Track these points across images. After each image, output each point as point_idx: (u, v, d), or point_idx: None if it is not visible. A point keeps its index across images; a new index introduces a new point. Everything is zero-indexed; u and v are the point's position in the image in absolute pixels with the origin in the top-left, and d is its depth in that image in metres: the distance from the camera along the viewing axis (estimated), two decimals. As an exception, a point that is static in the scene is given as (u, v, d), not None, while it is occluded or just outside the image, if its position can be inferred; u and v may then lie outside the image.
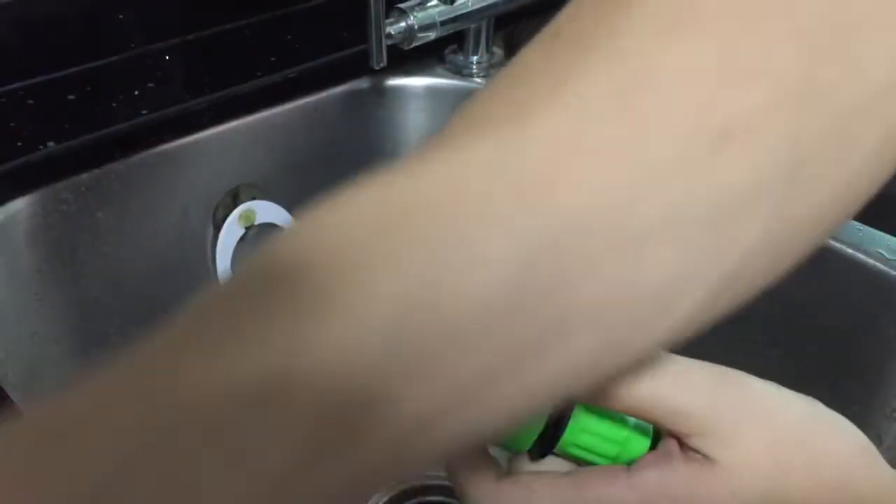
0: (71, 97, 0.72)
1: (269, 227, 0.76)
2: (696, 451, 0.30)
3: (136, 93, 0.73)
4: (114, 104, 0.71)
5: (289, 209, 0.76)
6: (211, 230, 0.73)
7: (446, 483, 0.77)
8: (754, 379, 0.31)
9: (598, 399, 0.30)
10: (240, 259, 0.75)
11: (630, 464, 0.32)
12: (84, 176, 0.65)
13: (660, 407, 0.30)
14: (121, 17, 0.76)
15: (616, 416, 0.33)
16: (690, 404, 0.30)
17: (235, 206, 0.73)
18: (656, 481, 0.30)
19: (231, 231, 0.73)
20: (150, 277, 0.71)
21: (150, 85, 0.74)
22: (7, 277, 0.63)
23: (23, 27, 0.72)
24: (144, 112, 0.70)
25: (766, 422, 0.30)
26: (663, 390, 0.30)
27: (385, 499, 0.76)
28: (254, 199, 0.74)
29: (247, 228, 0.74)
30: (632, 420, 0.33)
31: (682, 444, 0.31)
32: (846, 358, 0.62)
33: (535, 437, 0.33)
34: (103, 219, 0.67)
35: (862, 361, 0.61)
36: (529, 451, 0.33)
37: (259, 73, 0.76)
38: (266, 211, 0.75)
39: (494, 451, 0.34)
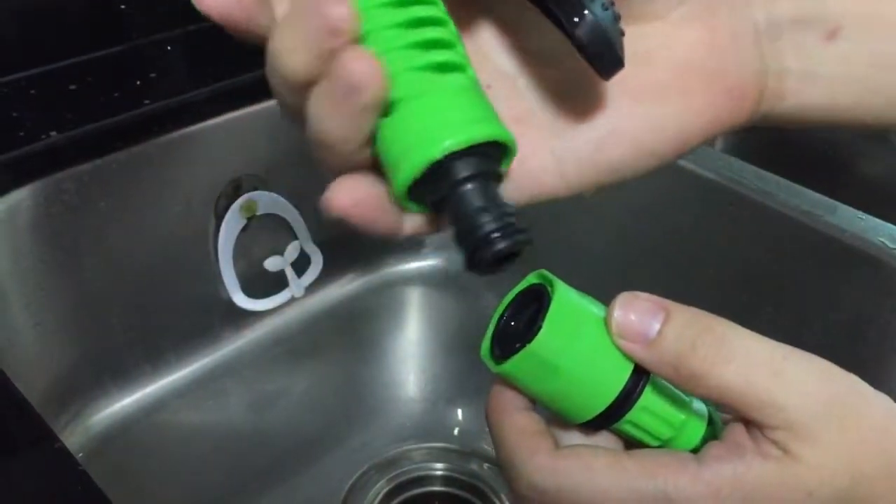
0: (73, 87, 0.72)
1: (270, 218, 0.76)
2: (774, 444, 0.29)
3: (139, 83, 0.73)
4: (116, 94, 0.71)
5: (290, 200, 0.76)
6: (213, 220, 0.73)
7: (444, 474, 0.77)
8: (844, 373, 0.30)
9: (684, 379, 0.29)
10: (241, 249, 0.75)
11: (681, 447, 0.31)
12: (86, 166, 0.65)
13: (751, 395, 0.28)
14: (123, 7, 0.76)
15: (680, 399, 0.31)
16: (786, 398, 0.28)
17: (237, 196, 0.73)
18: (730, 476, 0.28)
19: (233, 221, 0.73)
20: (152, 267, 0.71)
21: (153, 75, 0.74)
22: (10, 267, 0.63)
23: (25, 17, 0.72)
24: (147, 102, 0.70)
25: (853, 422, 0.29)
26: (757, 378, 0.28)
27: (385, 490, 0.76)
28: (255, 189, 0.74)
29: (248, 219, 0.74)
30: (694, 404, 0.32)
31: (753, 435, 0.29)
32: (848, 346, 0.62)
33: (601, 409, 0.30)
34: (105, 209, 0.67)
35: (864, 349, 0.61)
36: (586, 423, 0.31)
37: (261, 64, 0.76)
38: (268, 202, 0.75)
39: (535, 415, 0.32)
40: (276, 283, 0.78)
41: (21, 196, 0.63)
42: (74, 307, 0.68)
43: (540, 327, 0.29)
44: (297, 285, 0.79)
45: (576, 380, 0.30)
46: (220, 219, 0.73)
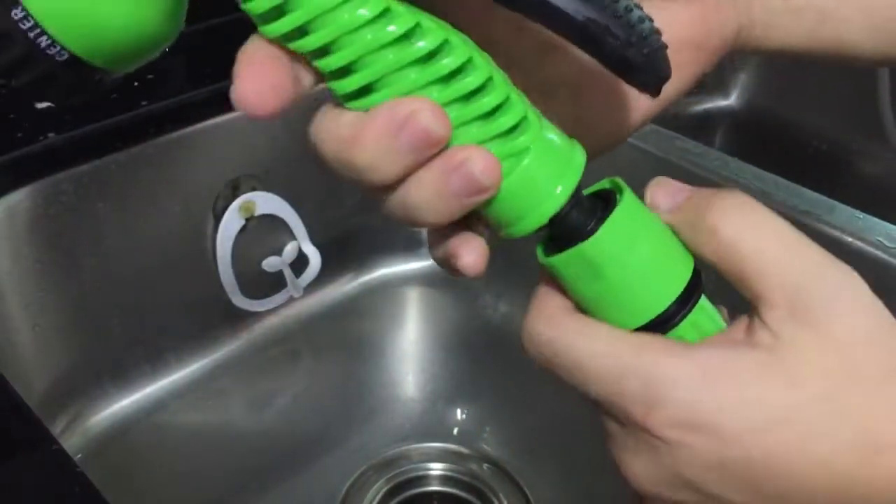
0: (71, 88, 0.72)
1: (269, 219, 0.76)
2: (768, 331, 0.28)
3: (136, 84, 0.73)
4: (114, 95, 0.71)
5: (289, 200, 0.76)
6: (211, 221, 0.73)
7: (442, 473, 0.77)
8: (851, 270, 0.29)
9: (699, 232, 0.29)
10: (240, 249, 0.75)
11: None
12: (85, 167, 0.65)
13: (757, 260, 0.28)
14: (120, 8, 0.76)
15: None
16: (789, 270, 0.28)
17: (235, 197, 0.73)
18: (719, 362, 0.28)
19: (231, 222, 0.73)
20: (151, 268, 0.71)
21: (150, 76, 0.74)
22: (8, 268, 0.63)
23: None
24: (145, 103, 0.70)
25: (860, 318, 0.28)
26: (769, 245, 0.28)
27: (384, 490, 0.76)
28: (254, 190, 0.74)
29: (247, 219, 0.74)
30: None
31: (751, 327, 0.28)
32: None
33: (653, 315, 0.30)
34: (104, 210, 0.67)
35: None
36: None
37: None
38: (266, 202, 0.75)
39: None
40: (275, 283, 0.78)
41: (19, 197, 0.63)
42: (73, 308, 0.68)
43: (598, 226, 0.29)
44: (295, 286, 0.79)
45: (631, 283, 0.29)
46: (218, 219, 0.73)
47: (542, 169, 0.28)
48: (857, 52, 0.38)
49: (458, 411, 0.83)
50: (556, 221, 0.29)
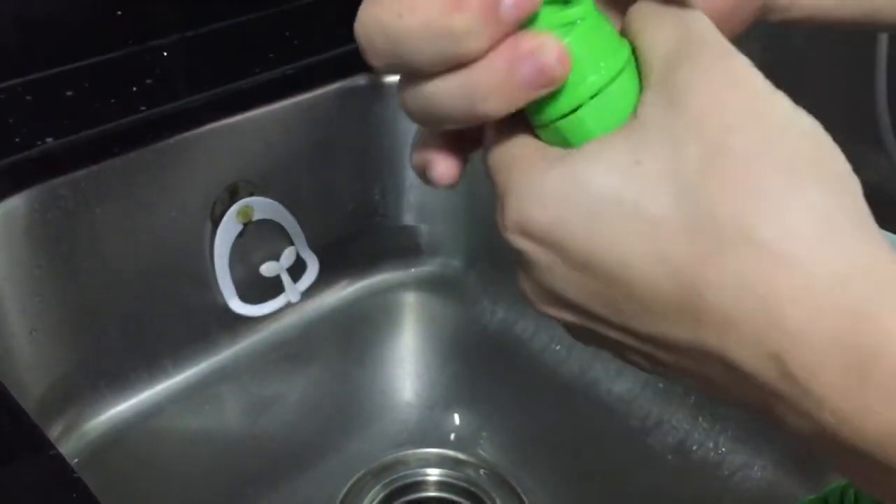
0: (69, 93, 0.72)
1: (266, 224, 0.76)
2: (634, 112, 0.26)
3: (135, 89, 0.73)
4: (112, 100, 0.71)
5: (287, 206, 0.76)
6: (209, 226, 0.73)
7: (439, 479, 0.77)
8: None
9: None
10: (237, 255, 0.75)
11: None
12: (82, 172, 0.65)
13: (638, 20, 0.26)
14: (119, 13, 0.77)
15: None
16: (665, 43, 0.25)
17: (233, 202, 0.73)
18: (577, 155, 0.25)
19: (229, 227, 0.73)
20: (148, 273, 0.71)
21: (149, 81, 0.74)
22: (5, 273, 0.63)
23: (21, 24, 0.72)
24: (143, 108, 0.71)
25: (724, 97, 0.24)
26: (659, 22, 0.26)
27: (381, 495, 0.76)
28: (251, 195, 0.74)
29: (245, 224, 0.74)
30: None
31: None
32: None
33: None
34: (101, 215, 0.67)
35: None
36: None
37: (257, 70, 0.76)
38: (264, 207, 0.75)
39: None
40: (273, 288, 0.78)
41: (17, 202, 0.63)
42: (70, 313, 0.68)
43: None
44: (293, 291, 0.79)
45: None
46: (216, 224, 0.73)
47: (583, 52, 0.26)
48: (888, 18, 0.36)
49: (456, 417, 0.83)
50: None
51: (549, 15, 0.26)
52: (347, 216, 0.84)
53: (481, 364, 0.85)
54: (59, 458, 0.45)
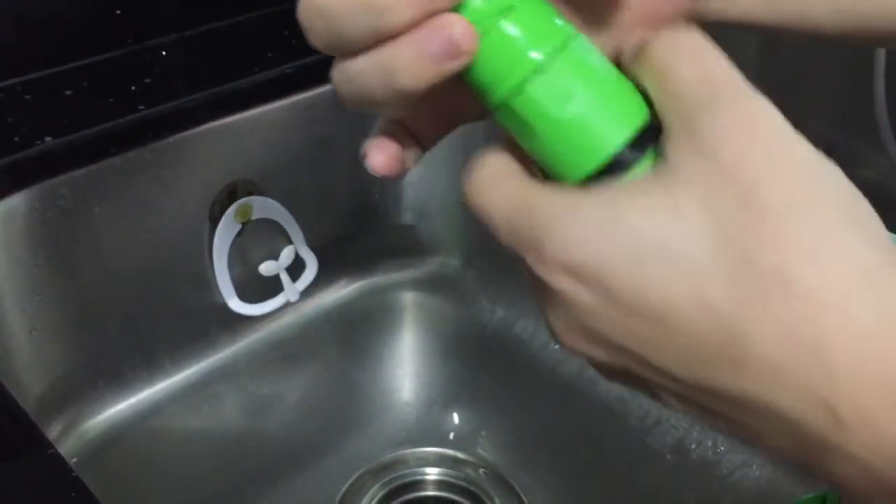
0: (68, 93, 0.72)
1: (265, 223, 0.76)
2: (664, 159, 0.25)
3: (134, 88, 0.73)
4: (111, 100, 0.71)
5: (285, 205, 0.76)
6: (208, 225, 0.73)
7: (438, 478, 0.77)
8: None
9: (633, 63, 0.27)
10: (236, 254, 0.75)
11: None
12: (82, 171, 0.65)
13: (666, 77, 0.26)
14: (118, 12, 0.77)
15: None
16: (693, 90, 0.25)
17: (232, 201, 0.73)
18: (607, 195, 0.26)
19: (228, 226, 0.73)
20: (147, 272, 0.71)
21: (148, 81, 0.74)
22: (5, 272, 0.63)
23: (20, 23, 0.72)
24: (142, 108, 0.71)
25: (753, 146, 0.24)
26: (682, 65, 0.26)
27: (380, 494, 0.76)
28: (250, 194, 0.74)
29: (243, 224, 0.74)
30: None
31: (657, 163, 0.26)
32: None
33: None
34: (101, 214, 0.67)
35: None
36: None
37: (256, 69, 0.76)
38: (262, 206, 0.75)
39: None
40: (271, 287, 0.78)
41: (16, 201, 0.63)
42: (70, 312, 0.68)
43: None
44: (292, 290, 0.79)
45: (566, 135, 0.28)
46: (214, 224, 0.73)
47: (522, 31, 0.27)
48: (817, 27, 0.35)
49: (455, 416, 0.83)
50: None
51: (487, 2, 0.27)
52: (346, 215, 0.84)
53: (480, 363, 0.85)
54: (58, 458, 0.45)
